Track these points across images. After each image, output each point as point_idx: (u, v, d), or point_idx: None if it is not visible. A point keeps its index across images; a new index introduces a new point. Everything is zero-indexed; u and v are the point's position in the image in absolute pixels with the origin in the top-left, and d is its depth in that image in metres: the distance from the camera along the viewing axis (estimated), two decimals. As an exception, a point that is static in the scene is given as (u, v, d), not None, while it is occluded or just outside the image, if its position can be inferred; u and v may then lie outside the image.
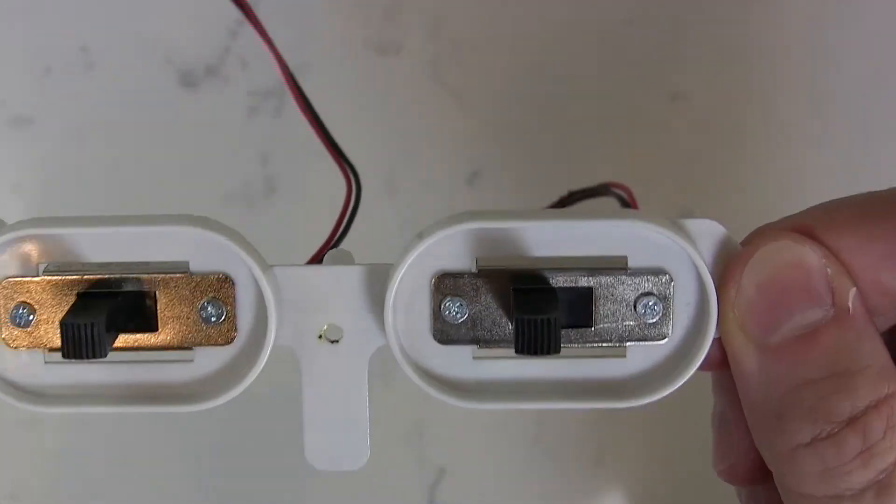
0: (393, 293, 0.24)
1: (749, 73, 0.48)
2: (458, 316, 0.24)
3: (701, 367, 0.24)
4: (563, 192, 0.47)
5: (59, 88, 0.48)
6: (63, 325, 0.22)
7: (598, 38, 0.49)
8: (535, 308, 0.23)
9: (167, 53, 0.48)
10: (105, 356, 0.23)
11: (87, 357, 0.22)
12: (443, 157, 0.47)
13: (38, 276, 0.24)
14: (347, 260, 0.25)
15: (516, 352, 0.23)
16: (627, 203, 0.27)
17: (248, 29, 0.49)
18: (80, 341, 0.22)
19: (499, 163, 0.47)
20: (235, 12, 0.49)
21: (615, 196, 0.27)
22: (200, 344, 0.24)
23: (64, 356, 0.23)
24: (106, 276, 0.24)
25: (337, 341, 0.25)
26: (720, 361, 0.24)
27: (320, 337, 0.25)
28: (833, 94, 0.48)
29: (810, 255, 0.22)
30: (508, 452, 0.43)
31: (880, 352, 0.22)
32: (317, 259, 0.26)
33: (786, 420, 0.22)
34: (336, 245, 0.27)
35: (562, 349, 0.23)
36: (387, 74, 0.45)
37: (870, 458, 0.21)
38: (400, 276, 0.24)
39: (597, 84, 0.48)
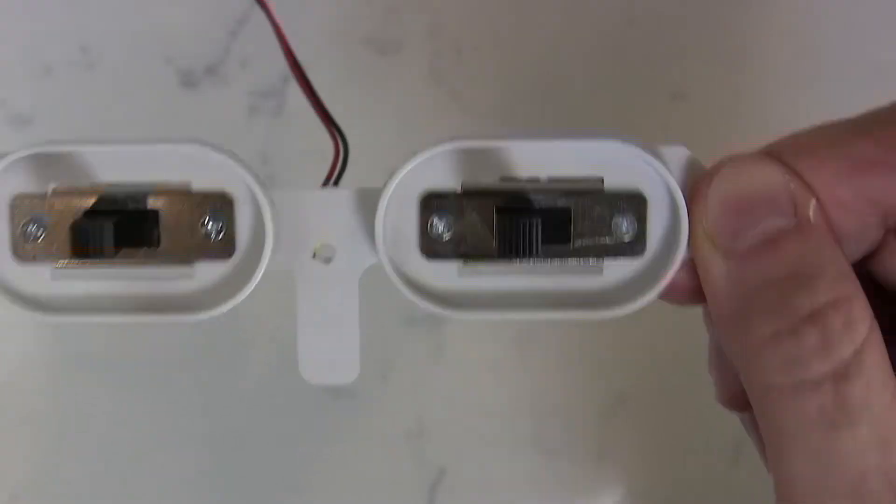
0: (383, 210, 0.25)
1: (749, 73, 0.48)
2: (445, 233, 0.26)
3: (677, 297, 0.26)
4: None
5: (59, 88, 0.48)
6: (73, 226, 0.24)
7: (598, 38, 0.49)
8: (517, 215, 0.24)
9: (167, 53, 0.48)
10: (112, 256, 0.25)
11: (95, 255, 0.24)
12: (443, 157, 0.47)
13: (47, 194, 0.25)
14: None
15: (498, 255, 0.25)
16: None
17: (249, 29, 0.49)
18: (88, 239, 0.24)
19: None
20: (236, 12, 0.49)
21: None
22: (200, 258, 0.26)
23: (73, 255, 0.25)
24: (111, 193, 0.25)
25: (330, 259, 0.26)
26: (694, 289, 0.26)
27: (314, 256, 0.26)
28: (833, 93, 0.48)
29: (772, 170, 0.24)
30: (508, 452, 0.43)
31: (839, 258, 0.24)
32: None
33: (750, 318, 0.23)
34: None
35: (542, 264, 0.25)
36: (387, 74, 0.45)
37: (828, 351, 0.23)
38: (389, 194, 0.25)
39: (597, 84, 0.48)
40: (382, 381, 0.44)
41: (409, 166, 0.25)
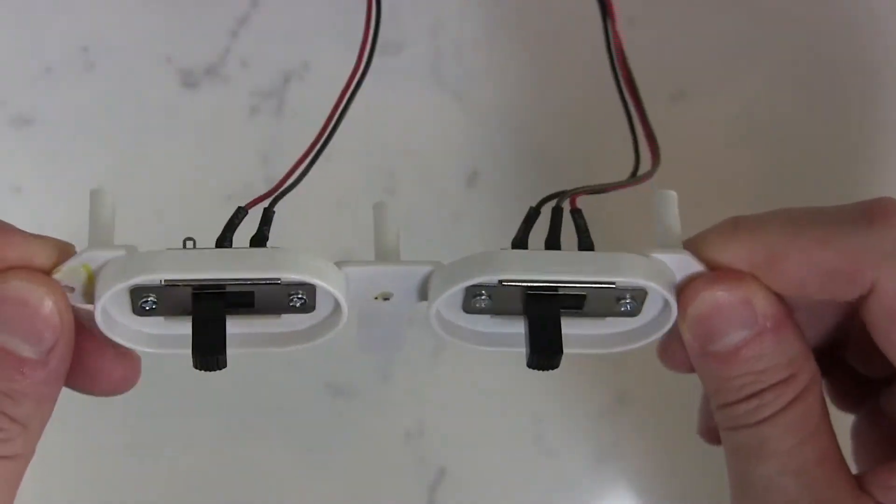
0: (434, 313, 0.31)
1: (749, 73, 0.48)
2: (483, 305, 0.31)
3: (674, 365, 0.34)
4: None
5: (59, 88, 0.48)
6: (191, 313, 0.30)
7: (598, 38, 0.49)
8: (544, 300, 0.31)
9: (167, 53, 0.48)
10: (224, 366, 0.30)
11: (213, 370, 0.30)
12: (443, 157, 0.47)
13: (161, 282, 0.30)
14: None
15: (528, 364, 0.31)
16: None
17: (248, 29, 0.49)
18: (207, 362, 0.30)
19: (499, 163, 0.47)
20: (236, 12, 0.49)
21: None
22: (287, 312, 0.31)
23: (195, 367, 0.30)
24: (216, 284, 0.30)
25: (388, 298, 0.32)
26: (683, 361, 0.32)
27: (376, 298, 0.32)
28: (833, 93, 0.48)
29: (725, 298, 0.30)
30: (508, 452, 0.43)
31: (793, 345, 0.31)
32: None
33: (718, 394, 0.31)
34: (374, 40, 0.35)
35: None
36: (387, 74, 0.45)
37: (758, 409, 0.31)
38: (438, 304, 0.31)
39: (597, 84, 0.48)
40: (382, 381, 0.44)
41: (458, 286, 0.30)
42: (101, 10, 0.49)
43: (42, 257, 0.30)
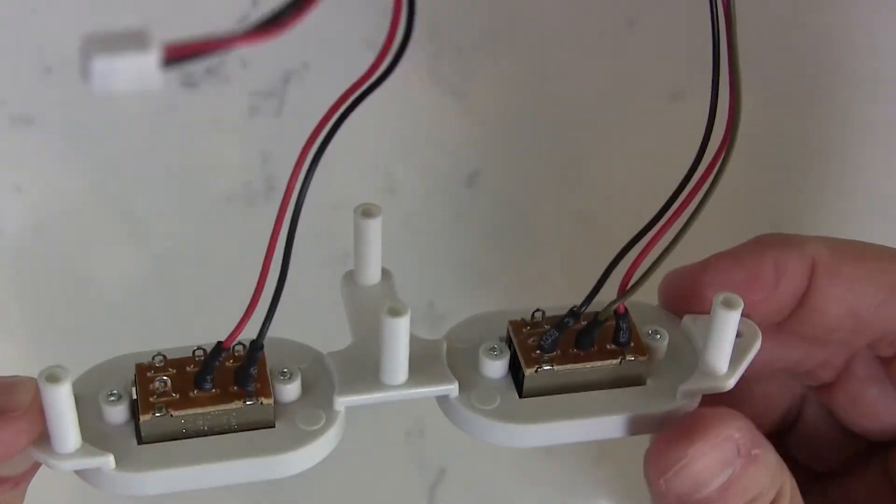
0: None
1: (749, 73, 0.48)
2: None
3: None
4: (562, 192, 0.47)
5: (59, 88, 0.48)
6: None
7: (598, 38, 0.49)
8: None
9: (167, 53, 0.48)
10: None
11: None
12: (443, 157, 0.47)
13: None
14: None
15: None
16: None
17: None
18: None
19: (499, 163, 0.47)
20: (236, 12, 0.49)
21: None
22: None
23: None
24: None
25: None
26: None
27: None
28: (832, 93, 0.48)
29: (712, 444, 0.29)
30: (508, 452, 0.43)
31: (772, 465, 0.30)
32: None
33: None
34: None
35: None
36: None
37: None
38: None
39: (597, 84, 0.48)
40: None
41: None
42: (102, 10, 0.49)
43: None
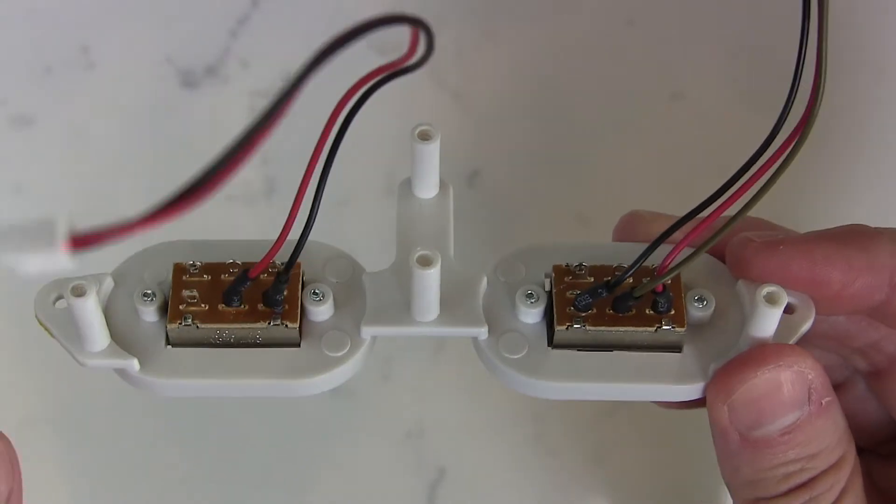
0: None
1: (749, 73, 0.48)
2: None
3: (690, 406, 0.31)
4: (561, 192, 0.47)
5: (60, 88, 0.48)
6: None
7: (598, 38, 0.49)
8: None
9: (167, 53, 0.48)
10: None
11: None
12: (443, 157, 0.47)
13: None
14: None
15: None
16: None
17: (248, 29, 0.49)
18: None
19: (499, 163, 0.47)
20: (236, 12, 0.49)
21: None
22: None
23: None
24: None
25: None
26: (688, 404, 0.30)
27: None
28: (831, 93, 0.48)
29: (785, 374, 0.27)
30: (508, 452, 0.43)
31: (839, 427, 0.28)
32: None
33: (756, 486, 0.28)
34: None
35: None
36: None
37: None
38: None
39: (597, 84, 0.48)
40: (382, 381, 0.44)
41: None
42: (101, 10, 0.49)
43: None
